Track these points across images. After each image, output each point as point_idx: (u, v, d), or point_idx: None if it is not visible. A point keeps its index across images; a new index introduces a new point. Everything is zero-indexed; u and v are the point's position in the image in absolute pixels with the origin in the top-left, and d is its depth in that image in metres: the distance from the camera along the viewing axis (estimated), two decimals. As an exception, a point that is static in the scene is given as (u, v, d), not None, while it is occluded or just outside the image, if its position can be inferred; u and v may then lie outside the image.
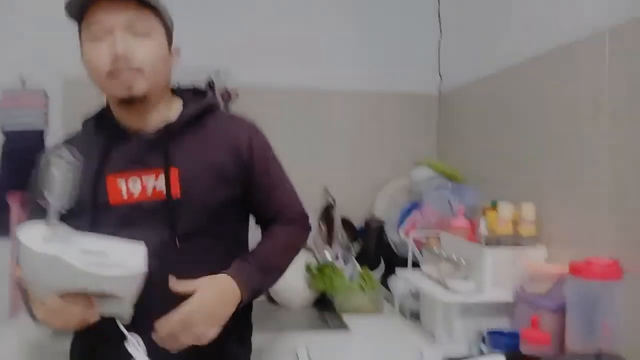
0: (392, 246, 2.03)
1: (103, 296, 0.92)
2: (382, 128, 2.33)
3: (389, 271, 1.95)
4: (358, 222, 2.18)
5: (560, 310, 1.22)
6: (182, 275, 1.01)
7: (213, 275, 1.04)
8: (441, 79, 2.32)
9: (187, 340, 0.97)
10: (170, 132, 1.08)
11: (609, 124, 1.25)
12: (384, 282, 1.98)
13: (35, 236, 0.86)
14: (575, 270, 1.16)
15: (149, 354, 0.94)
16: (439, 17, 2.31)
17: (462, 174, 1.99)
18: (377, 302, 1.81)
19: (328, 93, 2.28)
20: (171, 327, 0.97)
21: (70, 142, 1.13)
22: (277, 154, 1.21)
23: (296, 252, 1.22)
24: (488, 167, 1.86)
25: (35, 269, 0.87)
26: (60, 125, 2.11)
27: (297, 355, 1.40)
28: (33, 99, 2.10)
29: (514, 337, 1.24)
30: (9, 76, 2.08)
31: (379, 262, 1.99)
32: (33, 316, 0.97)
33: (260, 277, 1.11)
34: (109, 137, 1.09)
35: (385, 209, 2.15)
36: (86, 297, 0.91)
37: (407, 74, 2.32)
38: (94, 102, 2.10)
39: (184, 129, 1.10)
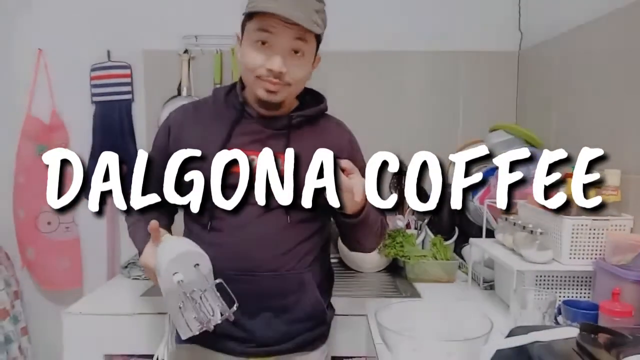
0: (467, 214, 1.99)
1: None
2: (457, 89, 2.24)
3: (463, 239, 1.92)
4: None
5: (645, 283, 1.16)
6: (287, 243, 1.21)
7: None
8: (521, 34, 2.19)
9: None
10: (291, 125, 1.23)
11: None
12: (458, 250, 1.95)
13: (177, 273, 1.03)
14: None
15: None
16: (518, -31, 2.16)
17: (542, 138, 1.88)
18: (450, 271, 1.79)
19: (401, 53, 2.23)
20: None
21: (199, 107, 1.30)
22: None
23: (382, 235, 1.38)
24: (570, 131, 1.75)
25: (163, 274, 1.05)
26: (143, 95, 2.27)
27: (367, 320, 1.44)
28: (118, 71, 2.25)
29: (591, 308, 1.19)
30: (96, 52, 2.24)
31: (453, 230, 1.95)
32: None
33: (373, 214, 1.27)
34: (237, 114, 1.24)
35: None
36: None
37: (485, 31, 2.21)
38: (171, 71, 2.21)
39: (302, 124, 1.25)
